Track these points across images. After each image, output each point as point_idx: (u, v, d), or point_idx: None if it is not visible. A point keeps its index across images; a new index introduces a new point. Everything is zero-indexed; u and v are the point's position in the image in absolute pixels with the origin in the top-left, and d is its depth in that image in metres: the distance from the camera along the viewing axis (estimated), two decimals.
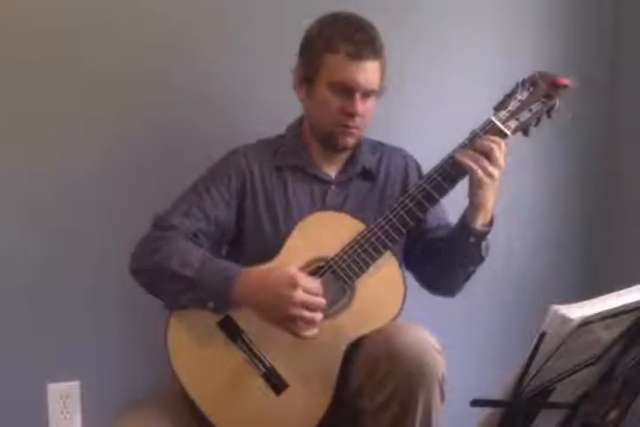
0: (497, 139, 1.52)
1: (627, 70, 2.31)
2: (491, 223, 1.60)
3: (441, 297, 1.76)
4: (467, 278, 1.69)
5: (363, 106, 1.61)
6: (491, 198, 1.56)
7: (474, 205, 1.57)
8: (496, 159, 1.51)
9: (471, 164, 1.51)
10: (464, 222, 1.59)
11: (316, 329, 1.47)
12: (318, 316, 1.45)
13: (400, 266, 1.59)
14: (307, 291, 1.44)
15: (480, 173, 1.51)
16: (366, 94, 1.62)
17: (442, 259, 1.66)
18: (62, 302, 1.92)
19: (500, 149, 1.51)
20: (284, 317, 1.45)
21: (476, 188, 1.53)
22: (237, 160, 1.68)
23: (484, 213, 1.57)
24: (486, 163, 1.51)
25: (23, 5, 1.85)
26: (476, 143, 1.52)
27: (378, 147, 1.77)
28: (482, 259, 1.64)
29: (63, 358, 1.93)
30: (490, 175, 1.51)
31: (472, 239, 1.58)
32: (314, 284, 1.46)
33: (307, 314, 1.44)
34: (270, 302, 1.46)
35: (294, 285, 1.43)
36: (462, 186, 1.56)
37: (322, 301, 1.45)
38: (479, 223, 1.58)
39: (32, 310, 1.90)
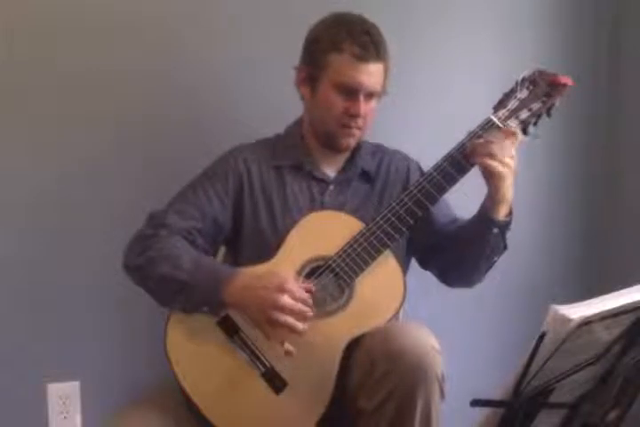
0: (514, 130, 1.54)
1: (626, 69, 2.31)
2: (511, 212, 1.60)
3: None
4: (489, 268, 1.68)
5: (365, 107, 1.62)
6: (511, 189, 1.55)
7: (496, 197, 1.56)
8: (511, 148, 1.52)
9: (486, 160, 1.51)
10: (486, 215, 1.58)
11: (293, 348, 1.46)
12: (299, 325, 1.44)
13: (400, 265, 1.59)
14: (294, 298, 1.44)
15: (498, 166, 1.51)
16: (369, 95, 1.62)
17: (464, 252, 1.65)
18: (62, 302, 1.92)
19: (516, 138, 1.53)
20: (266, 320, 1.45)
21: (497, 181, 1.53)
22: (235, 160, 1.68)
23: (505, 205, 1.57)
24: (501, 153, 1.51)
25: (23, 5, 1.85)
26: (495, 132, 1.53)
27: (377, 150, 1.77)
28: (505, 248, 1.64)
29: (63, 358, 1.93)
30: (508, 165, 1.51)
31: (496, 231, 1.58)
32: (303, 292, 1.45)
33: (289, 320, 1.43)
34: (255, 304, 1.45)
35: (282, 289, 1.43)
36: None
37: (307, 309, 1.45)
38: (502, 214, 1.58)
39: (32, 310, 1.90)
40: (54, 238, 1.91)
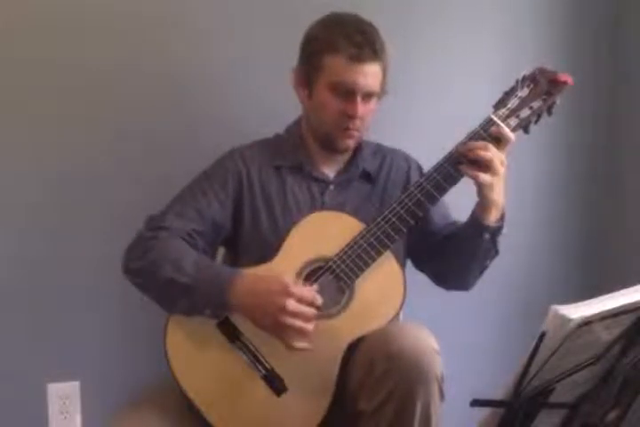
0: (481, 144, 1.51)
1: (626, 69, 2.31)
2: (503, 218, 1.59)
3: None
4: (482, 272, 1.68)
5: (363, 108, 1.61)
6: (500, 195, 1.55)
7: (484, 203, 1.56)
8: (491, 162, 1.50)
9: (471, 171, 1.51)
10: (477, 220, 1.58)
11: (307, 342, 1.45)
12: (309, 326, 1.44)
13: (400, 266, 1.59)
14: (299, 300, 1.43)
15: (486, 176, 1.50)
16: (367, 96, 1.61)
17: (457, 256, 1.65)
18: (62, 302, 1.92)
19: (491, 153, 1.50)
20: (274, 325, 1.44)
21: (485, 190, 1.53)
22: (234, 161, 1.67)
23: (495, 210, 1.57)
24: (490, 161, 1.50)
25: (24, 5, 1.85)
26: (464, 151, 1.52)
27: (379, 150, 1.76)
28: (497, 253, 1.64)
29: (63, 358, 1.93)
30: (496, 173, 1.50)
31: (487, 236, 1.58)
32: (307, 293, 1.45)
33: (297, 323, 1.43)
34: (262, 309, 1.45)
35: (287, 293, 1.42)
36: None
37: (313, 311, 1.44)
38: (492, 220, 1.57)
39: (32, 310, 1.90)
40: (54, 238, 1.91)
